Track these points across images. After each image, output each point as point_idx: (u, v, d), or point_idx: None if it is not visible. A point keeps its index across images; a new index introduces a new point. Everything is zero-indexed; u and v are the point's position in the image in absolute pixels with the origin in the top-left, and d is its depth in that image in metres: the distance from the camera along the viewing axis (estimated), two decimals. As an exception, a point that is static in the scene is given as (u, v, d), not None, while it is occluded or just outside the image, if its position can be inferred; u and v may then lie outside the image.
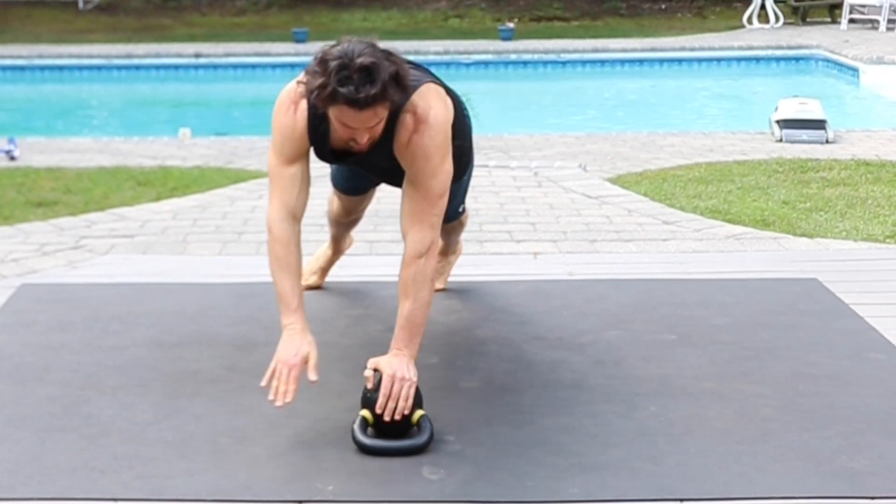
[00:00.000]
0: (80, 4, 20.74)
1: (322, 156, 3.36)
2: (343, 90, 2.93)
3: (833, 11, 18.23)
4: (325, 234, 5.86)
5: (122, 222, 6.05)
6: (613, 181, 7.06)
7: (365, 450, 3.04)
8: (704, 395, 3.43)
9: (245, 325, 4.07)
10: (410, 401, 3.09)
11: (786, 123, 8.84)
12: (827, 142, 8.62)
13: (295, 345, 3.13)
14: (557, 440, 3.12)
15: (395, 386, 3.08)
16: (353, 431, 3.08)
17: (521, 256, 5.27)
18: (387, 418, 3.05)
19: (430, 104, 3.18)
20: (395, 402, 3.07)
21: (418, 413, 3.10)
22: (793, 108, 9.00)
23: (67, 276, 4.91)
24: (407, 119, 3.15)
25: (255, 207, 6.45)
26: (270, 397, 3.08)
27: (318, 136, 3.25)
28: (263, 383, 3.11)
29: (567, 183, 6.89)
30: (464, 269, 4.87)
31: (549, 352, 3.81)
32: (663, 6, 20.44)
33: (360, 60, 2.93)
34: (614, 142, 8.73)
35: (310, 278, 4.39)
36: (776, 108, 9.17)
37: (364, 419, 3.08)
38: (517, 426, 3.22)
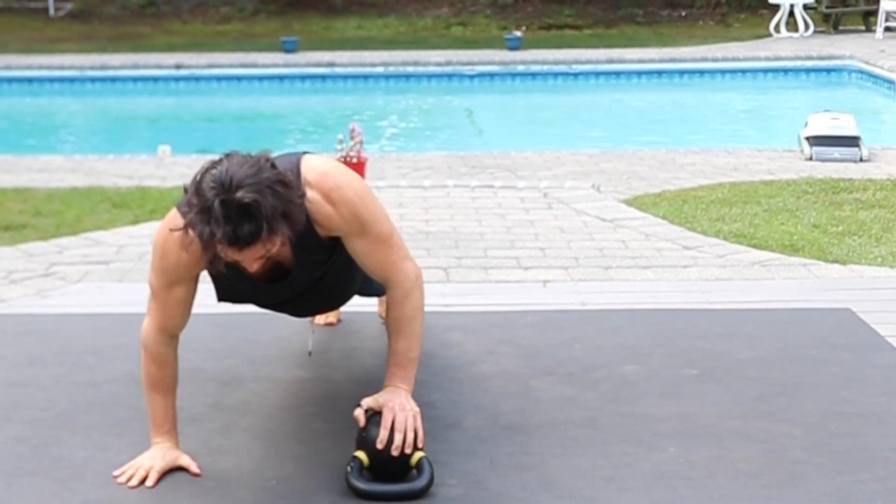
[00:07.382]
0: (51, 11, 20.82)
1: (236, 295, 3.35)
2: (219, 232, 2.80)
3: (867, 19, 18.29)
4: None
5: (96, 247, 6.07)
6: (629, 203, 7.08)
7: (360, 494, 3.05)
8: (728, 436, 3.44)
9: (230, 358, 4.08)
10: (420, 433, 3.09)
11: (816, 140, 8.87)
12: (861, 160, 8.65)
13: (161, 453, 3.23)
14: (569, 484, 3.13)
15: (399, 416, 3.08)
16: (346, 475, 3.08)
17: (530, 284, 5.28)
18: (394, 453, 3.04)
19: (320, 168, 3.10)
20: (402, 433, 3.06)
21: (417, 455, 3.11)
22: (824, 124, 9.03)
23: (37, 306, 4.93)
24: (315, 198, 3.05)
25: (241, 231, 6.47)
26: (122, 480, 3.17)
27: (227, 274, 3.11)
28: (115, 473, 3.19)
29: (579, 205, 6.92)
30: (467, 299, 4.88)
31: (559, 388, 3.82)
32: (683, 13, 20.52)
33: (238, 195, 2.78)
34: (630, 160, 8.76)
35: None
36: (806, 124, 9.21)
37: (359, 461, 3.09)
38: (525, 468, 3.22)
